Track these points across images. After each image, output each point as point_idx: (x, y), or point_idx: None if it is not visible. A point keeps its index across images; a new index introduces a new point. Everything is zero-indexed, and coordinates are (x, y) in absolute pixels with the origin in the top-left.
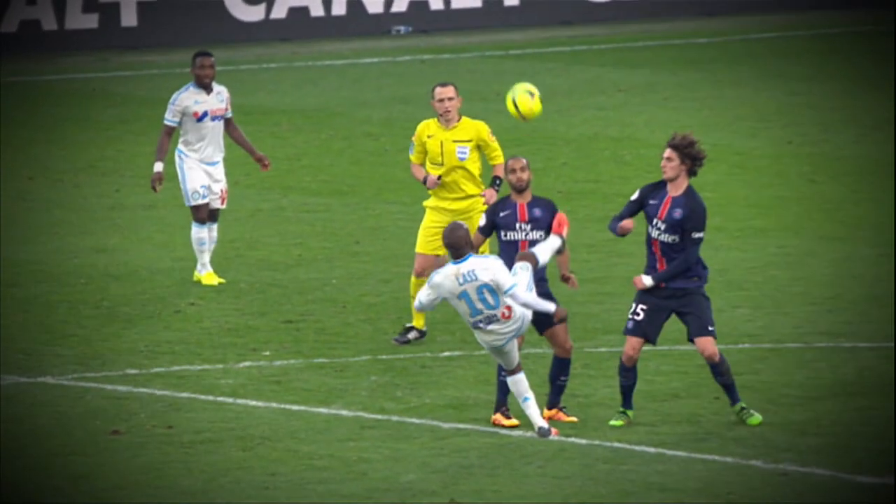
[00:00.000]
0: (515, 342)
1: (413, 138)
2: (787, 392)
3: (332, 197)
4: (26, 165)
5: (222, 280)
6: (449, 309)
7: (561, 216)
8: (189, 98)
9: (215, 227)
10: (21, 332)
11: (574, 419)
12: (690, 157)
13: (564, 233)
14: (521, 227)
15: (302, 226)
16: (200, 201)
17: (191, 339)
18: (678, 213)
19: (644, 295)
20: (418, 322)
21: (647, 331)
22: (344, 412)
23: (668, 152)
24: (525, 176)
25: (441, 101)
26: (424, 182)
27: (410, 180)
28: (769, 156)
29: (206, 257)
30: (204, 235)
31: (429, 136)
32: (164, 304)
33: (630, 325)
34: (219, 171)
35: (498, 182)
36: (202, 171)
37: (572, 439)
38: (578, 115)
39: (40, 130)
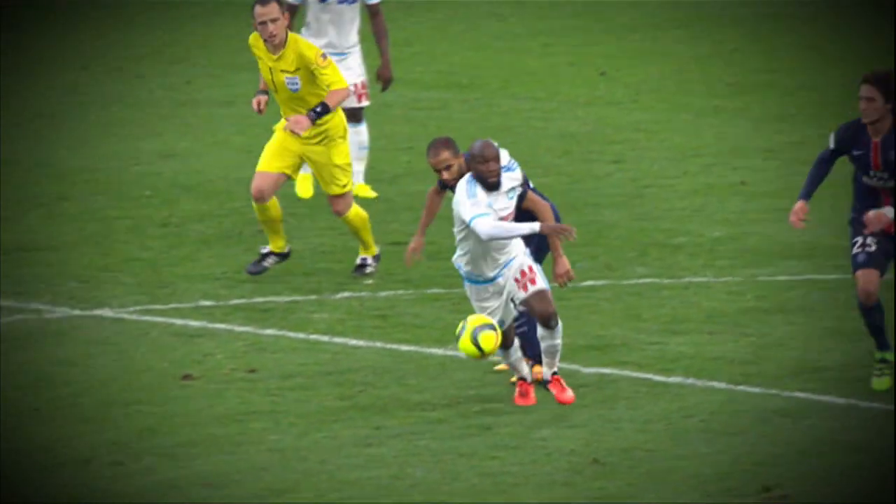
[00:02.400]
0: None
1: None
2: None
3: (449, 91)
4: (79, 52)
5: (373, 193)
6: (592, 230)
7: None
8: None
9: (360, 128)
10: (75, 255)
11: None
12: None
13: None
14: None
15: (412, 126)
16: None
17: (278, 264)
18: (893, 154)
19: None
20: (276, 245)
21: (880, 262)
22: (463, 354)
23: (866, 90)
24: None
25: (263, 23)
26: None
27: (544, 71)
28: None
29: (362, 166)
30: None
31: (258, 58)
32: (246, 221)
33: (861, 258)
34: (353, 61)
35: (318, 110)
36: None
37: (742, 387)
38: None
39: (95, 8)
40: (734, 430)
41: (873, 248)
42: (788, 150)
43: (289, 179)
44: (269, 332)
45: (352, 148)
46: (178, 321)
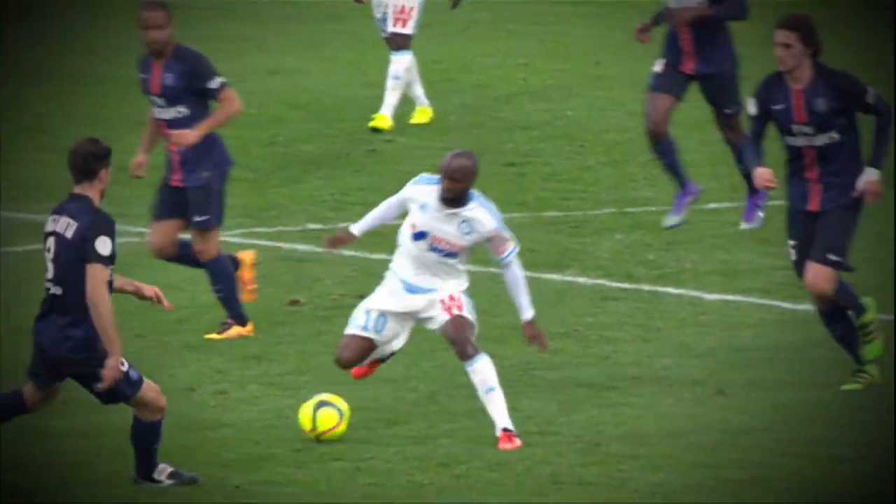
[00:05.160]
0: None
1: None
2: None
3: (567, 5)
4: None
5: (425, 119)
6: (717, 149)
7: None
8: None
9: (399, 57)
10: None
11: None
12: (814, 36)
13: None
14: None
15: (528, 42)
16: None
17: (388, 185)
18: (821, 105)
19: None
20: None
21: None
22: (581, 280)
23: (782, 35)
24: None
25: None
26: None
27: None
28: None
29: (392, 97)
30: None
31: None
32: (355, 141)
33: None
34: None
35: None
36: None
37: (882, 315)
38: None
39: None
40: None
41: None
42: None
43: None
44: (379, 256)
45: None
46: (285, 245)
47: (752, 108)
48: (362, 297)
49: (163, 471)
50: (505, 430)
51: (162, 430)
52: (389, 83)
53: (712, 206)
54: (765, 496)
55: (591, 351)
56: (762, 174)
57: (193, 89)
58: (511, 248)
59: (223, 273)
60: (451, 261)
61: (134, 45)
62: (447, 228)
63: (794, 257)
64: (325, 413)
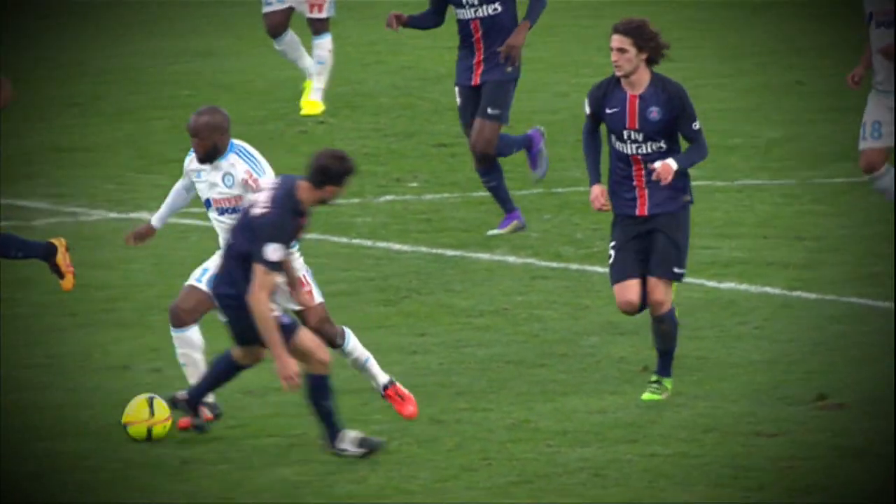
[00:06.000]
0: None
1: None
2: None
3: None
4: None
5: (316, 112)
6: None
7: None
8: None
9: (321, 41)
10: (110, 156)
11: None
12: (649, 42)
13: None
14: None
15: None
16: (268, 8)
17: None
18: (655, 113)
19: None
20: None
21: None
22: (510, 259)
23: (617, 40)
24: None
25: None
26: None
27: None
28: None
29: (319, 82)
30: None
31: None
32: (287, 122)
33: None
34: None
35: None
36: None
37: (797, 293)
38: None
39: None
40: (789, 338)
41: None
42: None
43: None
44: (311, 236)
45: (311, 62)
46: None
47: (586, 106)
48: None
49: (346, 438)
50: (387, 386)
51: (329, 388)
52: (315, 68)
53: None
54: (689, 472)
55: (521, 329)
56: (599, 193)
57: None
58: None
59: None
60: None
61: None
62: (218, 187)
63: (611, 260)
64: (161, 403)
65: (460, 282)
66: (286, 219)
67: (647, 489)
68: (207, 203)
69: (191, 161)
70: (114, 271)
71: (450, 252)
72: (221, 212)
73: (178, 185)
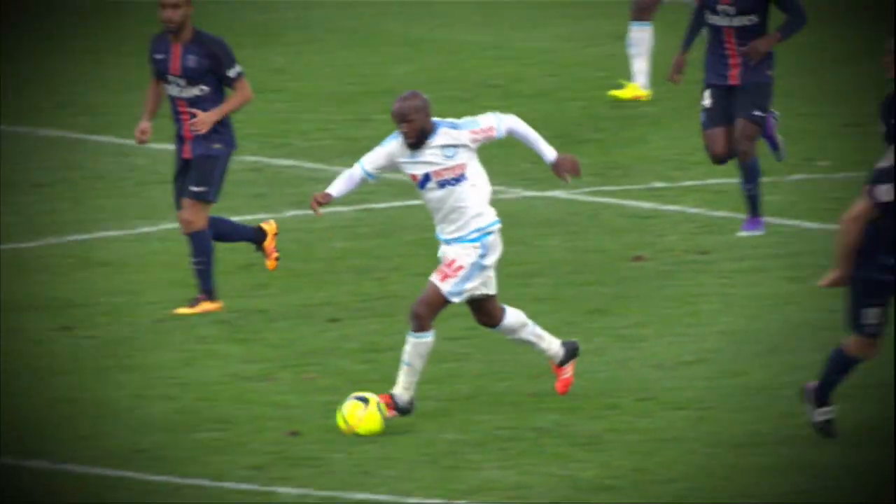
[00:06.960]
0: None
1: None
2: None
3: None
4: None
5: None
6: None
7: None
8: None
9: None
10: None
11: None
12: None
13: None
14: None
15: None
16: None
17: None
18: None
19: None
20: None
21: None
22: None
23: None
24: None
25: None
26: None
27: None
28: None
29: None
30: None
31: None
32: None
33: None
34: None
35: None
36: None
37: None
38: None
39: None
40: None
41: None
42: None
43: None
44: (721, 213)
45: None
46: (630, 203)
47: None
48: (704, 252)
49: (823, 412)
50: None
51: (849, 368)
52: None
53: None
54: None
55: None
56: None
57: (214, 72)
58: (495, 124)
59: (206, 247)
60: (461, 186)
61: None
62: (437, 160)
63: None
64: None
65: None
66: None
67: None
68: (424, 181)
69: (393, 151)
70: (529, 247)
71: None
72: (442, 184)
73: (356, 175)
